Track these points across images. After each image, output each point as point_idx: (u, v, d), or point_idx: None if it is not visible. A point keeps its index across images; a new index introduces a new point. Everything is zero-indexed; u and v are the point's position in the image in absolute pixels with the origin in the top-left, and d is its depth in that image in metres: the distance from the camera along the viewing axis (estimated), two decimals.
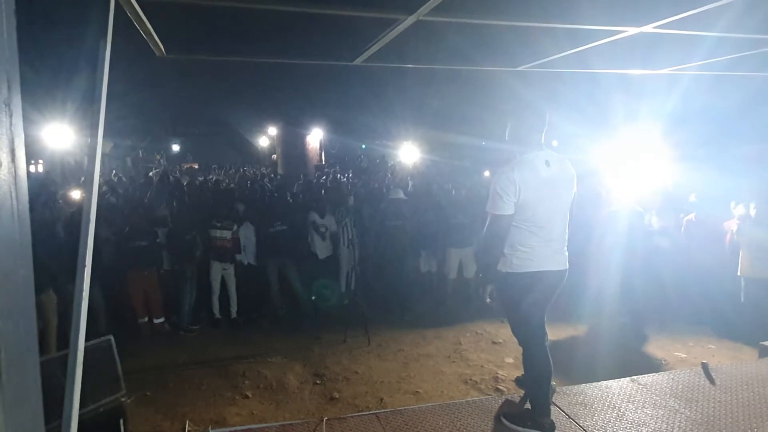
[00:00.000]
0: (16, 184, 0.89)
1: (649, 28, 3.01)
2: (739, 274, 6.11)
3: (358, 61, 3.54)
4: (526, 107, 3.04)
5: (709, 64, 4.17)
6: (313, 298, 6.79)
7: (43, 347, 5.14)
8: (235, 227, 7.02)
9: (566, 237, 3.11)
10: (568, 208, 3.07)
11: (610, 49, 3.53)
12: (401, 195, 8.01)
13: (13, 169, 0.88)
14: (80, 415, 1.90)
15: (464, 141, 18.13)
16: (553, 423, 3.18)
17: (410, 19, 2.65)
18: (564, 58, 3.76)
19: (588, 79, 7.74)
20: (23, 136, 0.92)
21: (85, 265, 1.60)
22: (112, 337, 3.35)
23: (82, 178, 13.59)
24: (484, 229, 3.04)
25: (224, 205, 7.60)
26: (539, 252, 2.97)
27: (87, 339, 2.18)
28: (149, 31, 2.61)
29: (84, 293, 1.62)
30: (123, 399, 3.31)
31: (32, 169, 17.81)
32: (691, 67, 4.38)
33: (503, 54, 3.79)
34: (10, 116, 0.89)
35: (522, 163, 2.91)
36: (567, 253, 3.13)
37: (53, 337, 5.29)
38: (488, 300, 3.34)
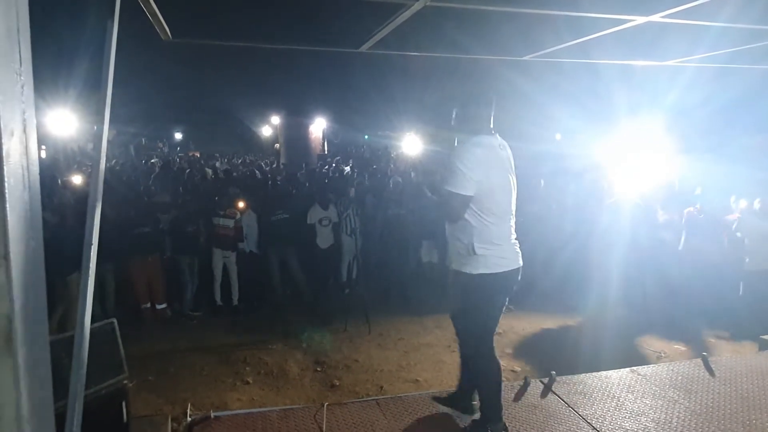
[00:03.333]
0: (27, 154, 0.89)
1: (656, 18, 3.00)
2: (746, 267, 6.13)
3: (363, 48, 3.53)
4: (474, 93, 2.87)
5: (715, 55, 4.15)
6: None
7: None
8: (238, 215, 7.03)
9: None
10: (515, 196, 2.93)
11: (617, 39, 3.51)
12: (398, 179, 8.07)
13: (24, 140, 0.89)
14: (84, 396, 1.91)
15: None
16: (506, 425, 3.04)
17: (417, 5, 2.64)
18: (571, 48, 3.74)
19: (590, 72, 7.71)
20: (34, 107, 0.93)
21: (91, 244, 1.61)
22: (115, 320, 3.36)
23: (76, 166, 13.60)
24: (437, 204, 2.95)
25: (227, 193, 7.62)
26: (509, 248, 2.84)
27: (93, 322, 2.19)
28: (155, 12, 2.59)
29: (90, 273, 1.63)
30: (125, 382, 3.32)
31: None
32: (697, 58, 4.36)
33: (510, 42, 3.76)
34: (23, 87, 0.89)
35: (482, 142, 2.72)
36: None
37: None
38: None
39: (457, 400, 3.31)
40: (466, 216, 2.72)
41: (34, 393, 0.91)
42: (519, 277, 2.96)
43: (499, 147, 2.79)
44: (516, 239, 2.93)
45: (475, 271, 2.76)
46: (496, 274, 2.77)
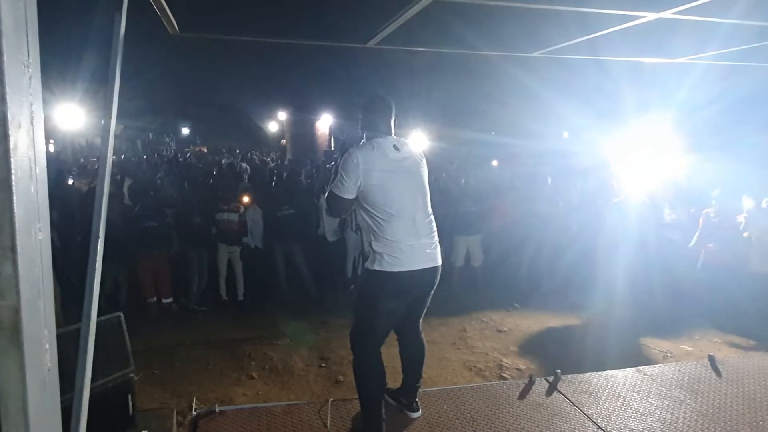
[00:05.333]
0: (34, 146, 0.89)
1: (667, 14, 2.97)
2: (750, 268, 6.09)
3: (371, 43, 3.51)
4: (375, 97, 2.96)
5: (726, 52, 4.11)
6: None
7: None
8: (242, 209, 7.05)
9: (434, 227, 2.92)
10: (426, 195, 2.91)
11: (627, 36, 3.48)
12: None
13: (31, 132, 0.89)
14: (90, 389, 1.92)
15: (472, 130, 18.09)
16: None
17: (425, 0, 2.62)
18: (580, 45, 3.71)
19: (600, 69, 7.66)
20: (41, 98, 0.92)
21: (98, 238, 1.61)
22: (121, 314, 3.38)
23: (82, 160, 13.70)
24: (325, 200, 3.00)
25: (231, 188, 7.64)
26: (408, 248, 2.75)
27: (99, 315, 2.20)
28: (163, 6, 2.59)
29: (97, 265, 1.63)
30: (131, 375, 3.34)
31: None
32: (708, 55, 4.32)
33: (518, 39, 3.74)
34: (30, 79, 0.89)
35: (366, 146, 2.80)
36: (438, 246, 2.93)
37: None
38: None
39: (402, 395, 3.27)
40: (364, 216, 2.81)
41: (41, 385, 0.91)
42: (425, 281, 2.86)
43: (393, 148, 2.81)
44: (428, 240, 2.85)
45: (371, 267, 2.79)
46: (388, 272, 2.73)
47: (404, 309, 2.90)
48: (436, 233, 2.93)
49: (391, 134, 2.89)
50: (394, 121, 2.93)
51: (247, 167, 14.26)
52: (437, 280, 2.94)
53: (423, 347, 3.18)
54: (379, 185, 2.72)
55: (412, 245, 2.76)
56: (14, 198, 0.83)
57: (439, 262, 2.91)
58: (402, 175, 2.80)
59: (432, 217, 2.93)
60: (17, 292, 0.84)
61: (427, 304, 3.07)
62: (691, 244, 6.65)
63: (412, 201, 2.81)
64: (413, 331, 3.13)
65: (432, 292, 2.98)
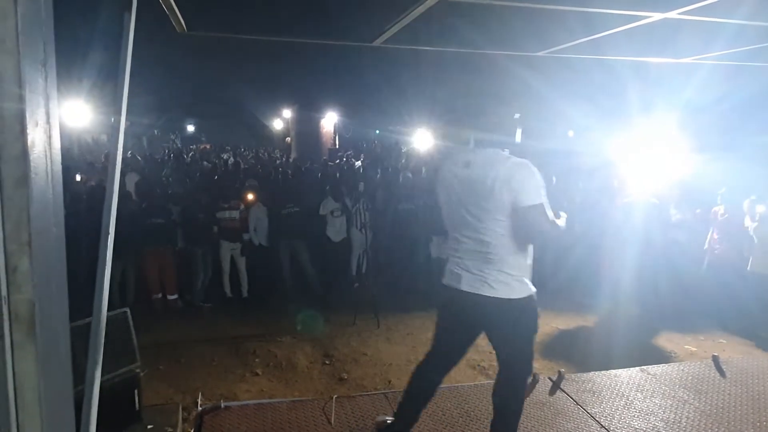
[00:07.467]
0: (50, 144, 0.91)
1: (673, 14, 2.97)
2: (749, 269, 6.08)
3: (377, 42, 3.53)
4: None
5: (732, 52, 4.10)
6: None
7: None
8: (242, 206, 7.08)
9: (489, 258, 2.52)
10: (481, 220, 2.52)
11: (632, 35, 3.48)
12: (408, 174, 8.13)
13: (48, 130, 0.91)
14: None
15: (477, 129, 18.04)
16: None
17: (431, 0, 2.63)
18: (587, 44, 3.72)
19: (605, 68, 7.64)
20: (57, 97, 0.94)
21: (108, 234, 1.63)
22: (128, 310, 3.41)
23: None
24: None
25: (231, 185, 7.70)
26: (449, 265, 2.72)
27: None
28: (171, 5, 2.61)
29: (107, 261, 1.65)
30: (138, 371, 3.37)
31: None
32: (713, 55, 4.31)
33: (525, 38, 3.75)
34: (46, 78, 0.91)
35: (446, 160, 2.83)
36: (495, 277, 2.51)
37: None
38: None
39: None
40: None
41: (55, 378, 0.93)
42: (466, 305, 2.62)
43: (462, 164, 2.62)
44: (471, 263, 2.58)
45: None
46: (442, 283, 2.77)
47: (452, 330, 2.79)
48: (493, 266, 2.53)
49: (467, 147, 2.71)
50: (495, 123, 2.72)
51: (239, 161, 14.34)
52: (484, 317, 2.62)
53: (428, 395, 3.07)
54: (441, 201, 2.80)
55: (455, 263, 2.67)
56: (32, 194, 0.85)
57: (483, 292, 2.53)
58: (454, 193, 2.64)
59: (491, 249, 2.52)
60: (33, 286, 0.86)
61: (471, 344, 2.84)
62: (705, 247, 6.63)
63: (458, 220, 2.64)
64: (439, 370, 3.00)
65: (479, 331, 2.75)
